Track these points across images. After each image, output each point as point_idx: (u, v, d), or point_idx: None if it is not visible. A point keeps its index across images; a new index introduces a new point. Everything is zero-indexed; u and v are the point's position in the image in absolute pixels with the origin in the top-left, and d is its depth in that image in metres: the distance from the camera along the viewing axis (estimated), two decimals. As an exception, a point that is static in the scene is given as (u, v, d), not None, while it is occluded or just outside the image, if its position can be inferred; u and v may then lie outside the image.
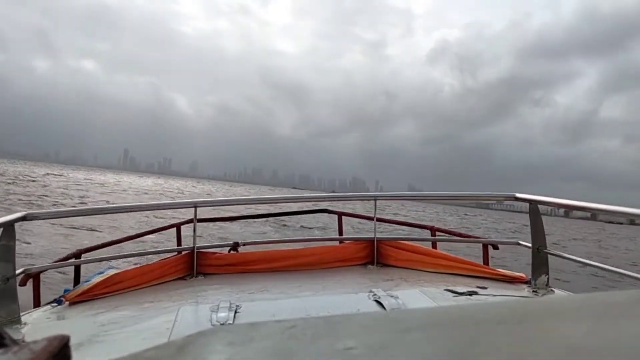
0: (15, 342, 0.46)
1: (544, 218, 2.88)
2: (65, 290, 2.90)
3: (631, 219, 2.51)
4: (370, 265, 3.45)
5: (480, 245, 3.74)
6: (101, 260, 3.59)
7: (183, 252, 3.36)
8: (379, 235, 3.51)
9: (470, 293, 2.54)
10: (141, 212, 14.09)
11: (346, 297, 2.64)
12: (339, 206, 5.62)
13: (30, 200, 22.07)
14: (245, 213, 6.38)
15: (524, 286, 2.80)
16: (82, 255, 3.61)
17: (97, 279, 2.88)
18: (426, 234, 4.17)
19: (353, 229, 7.25)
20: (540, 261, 2.77)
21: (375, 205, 3.53)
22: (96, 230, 13.12)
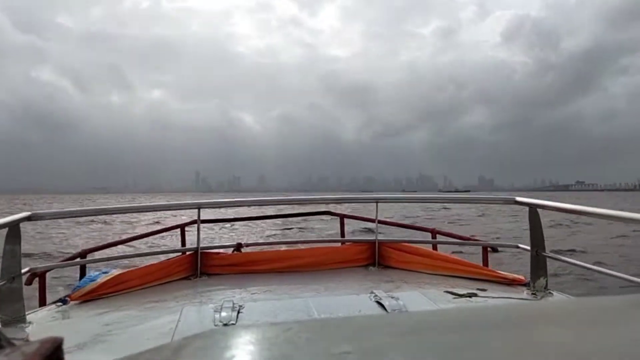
0: (10, 343, 0.46)
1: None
2: (72, 289, 2.93)
3: None
4: (371, 267, 3.48)
5: (481, 247, 3.76)
6: (106, 260, 3.63)
7: (187, 253, 3.39)
8: (380, 237, 3.54)
9: (470, 295, 2.57)
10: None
11: (348, 298, 2.65)
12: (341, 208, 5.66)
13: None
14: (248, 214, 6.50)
15: (523, 288, 2.82)
16: (88, 255, 3.65)
17: (102, 279, 2.91)
18: (427, 236, 4.21)
19: (354, 231, 7.33)
20: (539, 264, 2.77)
21: (377, 207, 3.55)
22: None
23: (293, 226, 17.09)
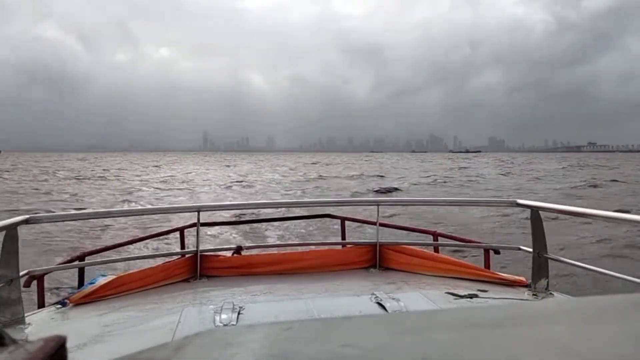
0: (14, 341, 0.46)
1: None
2: (70, 292, 3.00)
3: None
4: (372, 269, 3.45)
5: (482, 249, 3.76)
6: (105, 262, 3.71)
7: (187, 255, 3.41)
8: (381, 240, 3.50)
9: (471, 296, 2.59)
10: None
11: (348, 300, 2.69)
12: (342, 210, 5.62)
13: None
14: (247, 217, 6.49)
15: (524, 290, 2.83)
16: (86, 258, 3.62)
17: (101, 282, 2.90)
18: (428, 238, 4.21)
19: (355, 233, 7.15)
20: (540, 265, 2.78)
21: (377, 210, 3.53)
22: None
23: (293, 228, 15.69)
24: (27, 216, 2.67)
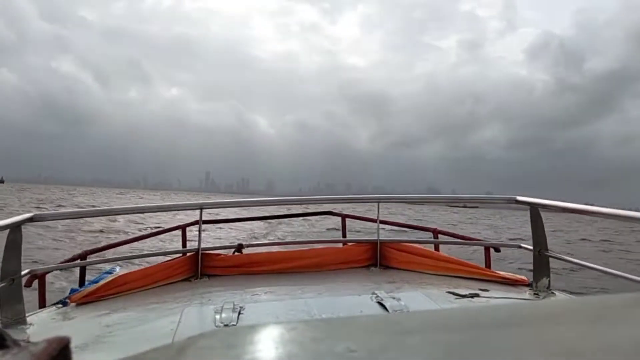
0: (16, 343, 0.46)
1: None
2: (72, 291, 2.91)
3: None
4: (373, 268, 3.45)
5: (482, 247, 3.75)
6: (106, 261, 3.60)
7: (188, 254, 3.37)
8: (382, 238, 3.51)
9: (472, 295, 2.54)
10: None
11: (349, 299, 2.64)
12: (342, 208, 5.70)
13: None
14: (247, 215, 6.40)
15: (526, 289, 2.80)
16: (88, 257, 3.62)
17: (103, 281, 2.90)
18: (429, 236, 4.17)
19: (356, 231, 7.33)
20: (541, 264, 2.75)
21: (378, 208, 3.52)
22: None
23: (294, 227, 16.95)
24: (31, 214, 2.65)
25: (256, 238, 11.52)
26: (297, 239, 9.63)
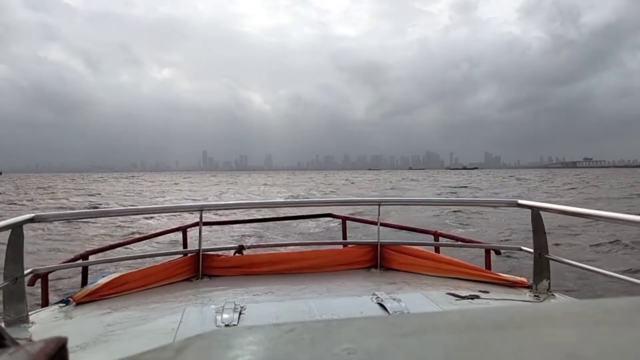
0: (15, 342, 0.46)
1: None
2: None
3: None
4: (373, 269, 3.46)
5: (483, 250, 3.74)
6: (108, 261, 3.62)
7: (189, 255, 3.39)
8: (382, 240, 3.51)
9: (472, 297, 2.56)
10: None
11: (349, 300, 2.65)
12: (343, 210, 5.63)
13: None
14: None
15: (526, 291, 2.81)
16: (90, 257, 3.65)
17: (104, 280, 2.91)
18: (429, 238, 4.19)
19: (356, 233, 7.30)
20: (541, 266, 2.76)
21: (379, 210, 3.53)
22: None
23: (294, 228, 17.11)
24: (32, 215, 2.66)
25: (260, 237, 11.62)
26: (298, 241, 9.85)
